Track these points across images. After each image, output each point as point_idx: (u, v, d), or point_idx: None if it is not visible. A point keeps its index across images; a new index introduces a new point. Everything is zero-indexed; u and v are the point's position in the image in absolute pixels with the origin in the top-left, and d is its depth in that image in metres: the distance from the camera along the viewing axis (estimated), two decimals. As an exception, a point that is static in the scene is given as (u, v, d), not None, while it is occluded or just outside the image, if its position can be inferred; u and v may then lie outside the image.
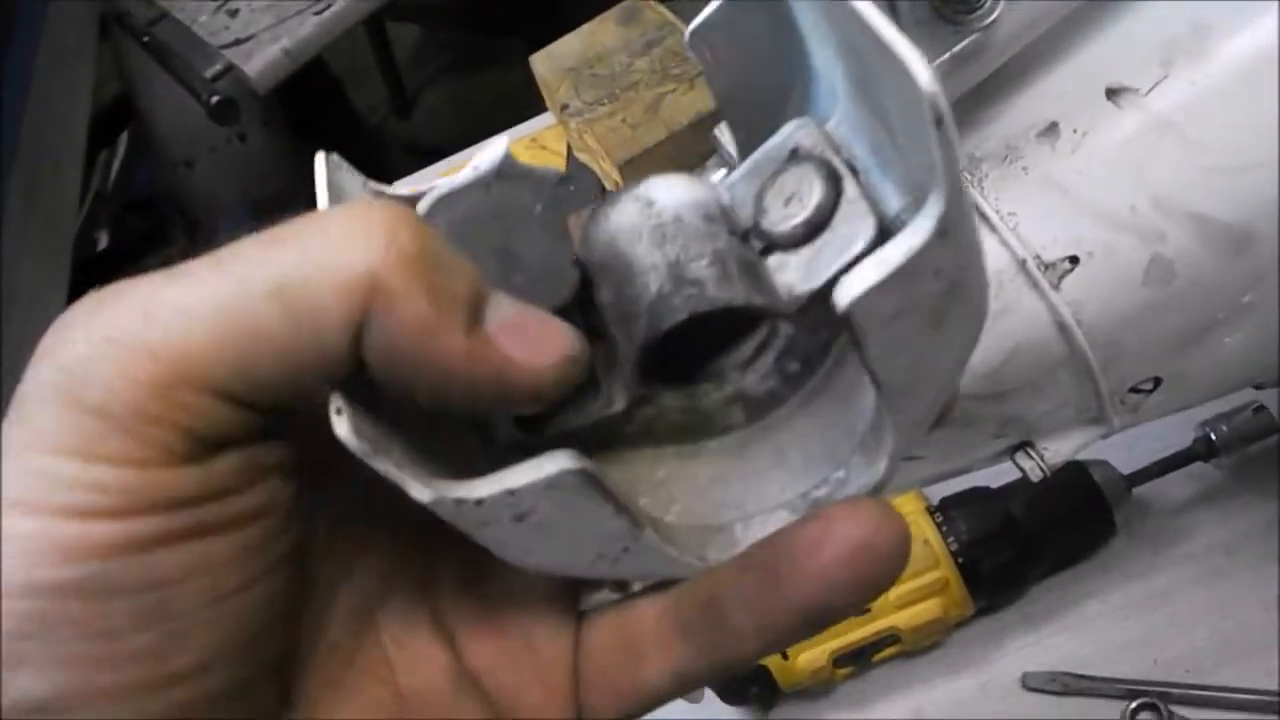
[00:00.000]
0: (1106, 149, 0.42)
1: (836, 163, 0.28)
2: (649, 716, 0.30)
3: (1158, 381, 0.46)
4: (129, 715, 0.22)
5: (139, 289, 0.23)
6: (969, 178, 0.42)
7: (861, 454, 0.29)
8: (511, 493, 0.25)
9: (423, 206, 0.28)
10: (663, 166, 0.76)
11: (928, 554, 0.66)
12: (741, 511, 0.30)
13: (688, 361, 0.31)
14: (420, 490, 0.25)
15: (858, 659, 0.67)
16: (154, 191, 2.30)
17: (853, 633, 0.67)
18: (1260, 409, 0.67)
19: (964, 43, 0.38)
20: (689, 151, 0.86)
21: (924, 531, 0.67)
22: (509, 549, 0.26)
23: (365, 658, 0.28)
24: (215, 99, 1.36)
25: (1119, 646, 0.66)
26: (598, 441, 0.30)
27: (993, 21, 0.38)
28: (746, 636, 0.27)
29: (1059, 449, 0.47)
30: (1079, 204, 0.42)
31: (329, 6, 1.42)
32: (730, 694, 0.69)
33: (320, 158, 0.29)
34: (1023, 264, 0.42)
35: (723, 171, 0.30)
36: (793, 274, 0.27)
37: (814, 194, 0.27)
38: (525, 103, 1.14)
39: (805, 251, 0.27)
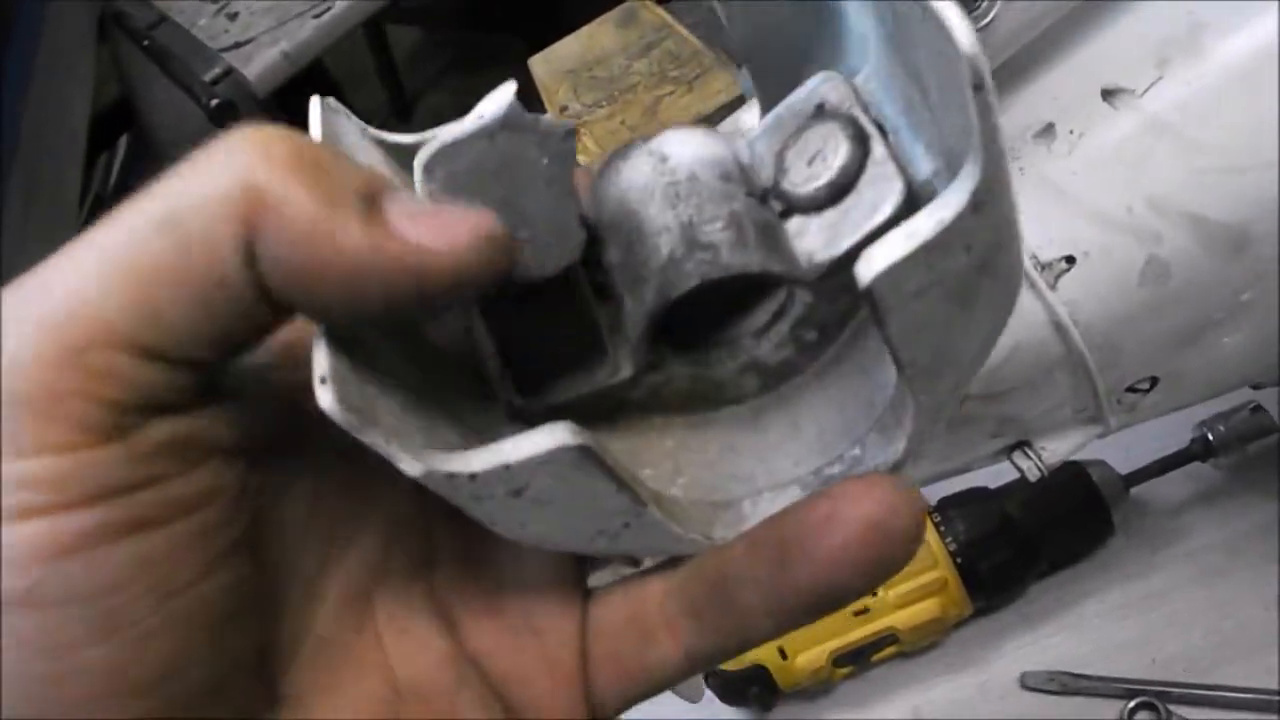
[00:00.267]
0: (1102, 150, 0.42)
1: (864, 121, 0.26)
2: (646, 711, 0.29)
3: (1154, 381, 0.46)
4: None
5: (39, 269, 0.22)
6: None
7: (879, 432, 0.28)
8: (507, 467, 0.24)
9: (421, 157, 0.25)
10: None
11: (926, 554, 0.67)
12: (751, 486, 0.29)
13: (699, 327, 0.30)
14: (411, 464, 0.23)
15: (857, 659, 0.68)
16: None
17: (852, 633, 0.67)
18: (1257, 409, 0.67)
19: (960, 44, 0.39)
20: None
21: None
22: (504, 524, 0.25)
23: (358, 648, 0.26)
24: (215, 102, 1.36)
25: (1117, 646, 0.67)
26: (603, 408, 0.29)
27: (989, 23, 0.38)
28: (756, 617, 0.26)
29: (1056, 448, 0.48)
30: (1075, 204, 0.42)
31: (328, 9, 1.42)
32: (729, 694, 0.69)
33: (315, 100, 0.27)
34: (1019, 264, 0.42)
35: (754, 114, 0.29)
36: (813, 239, 0.26)
37: (839, 154, 0.25)
38: (524, 104, 1.14)
39: (828, 215, 0.26)
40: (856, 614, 0.67)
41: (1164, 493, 0.70)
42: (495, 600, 0.28)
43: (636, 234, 0.27)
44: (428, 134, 0.28)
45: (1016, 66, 0.42)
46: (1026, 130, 0.43)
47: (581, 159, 0.95)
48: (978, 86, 0.20)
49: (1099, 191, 0.42)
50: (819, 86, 0.27)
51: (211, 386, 0.23)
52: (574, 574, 0.28)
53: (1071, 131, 0.42)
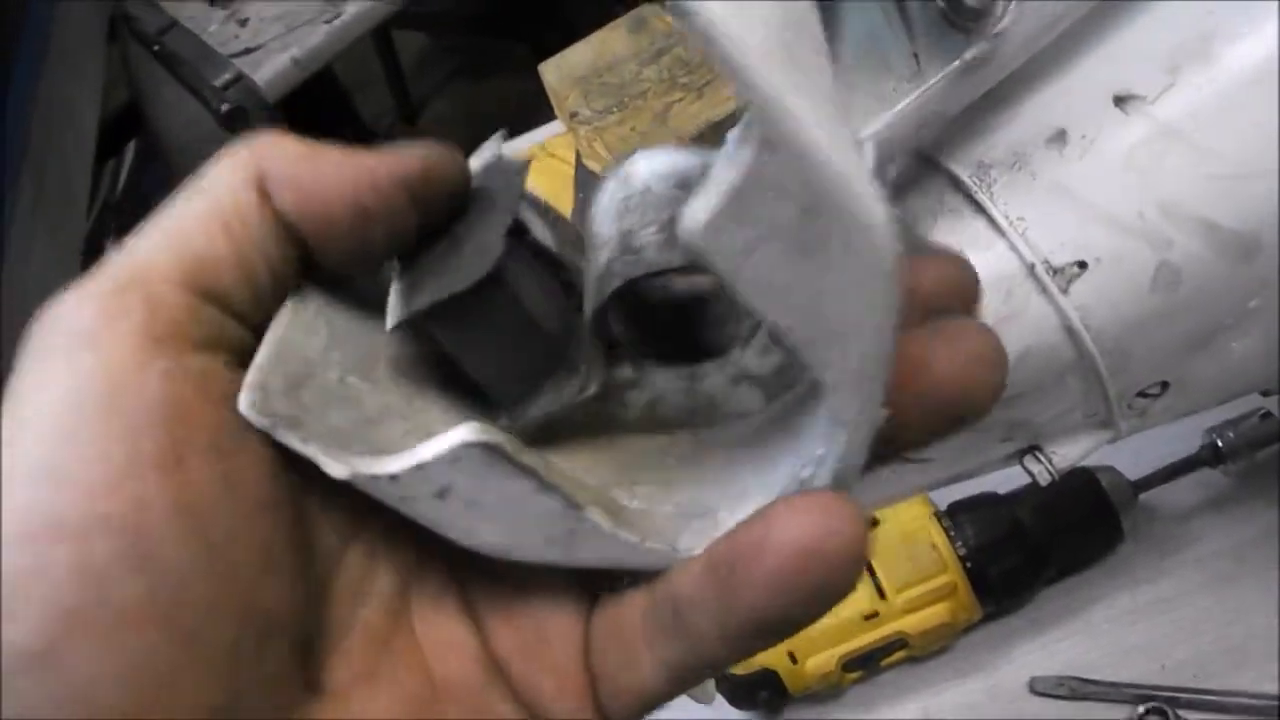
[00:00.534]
0: (1114, 156, 0.42)
1: None
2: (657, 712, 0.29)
3: (1165, 386, 0.46)
4: (127, 666, 0.21)
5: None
6: (978, 184, 0.43)
7: (838, 425, 0.27)
8: (420, 467, 0.24)
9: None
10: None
11: (936, 558, 0.67)
12: (738, 498, 0.27)
13: (686, 341, 0.30)
14: (335, 467, 0.24)
15: (866, 663, 0.68)
16: (162, 199, 2.30)
17: (861, 637, 0.67)
18: (1267, 415, 0.67)
19: (974, 50, 0.39)
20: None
21: (932, 536, 0.67)
22: (450, 529, 0.25)
23: (397, 644, 0.27)
24: (225, 107, 1.37)
25: (1126, 651, 0.67)
26: (597, 428, 0.29)
27: (1003, 29, 0.38)
28: (710, 642, 0.25)
29: (1067, 453, 0.48)
30: (1087, 210, 0.42)
31: (338, 16, 1.43)
32: (738, 698, 0.69)
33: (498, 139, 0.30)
34: (1031, 268, 0.42)
35: None
36: None
37: None
38: (532, 110, 1.14)
39: None
40: (866, 618, 0.67)
41: (1173, 499, 0.71)
42: (513, 605, 0.28)
43: (590, 251, 0.28)
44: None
45: (1029, 73, 0.42)
46: (1038, 136, 0.43)
47: (593, 165, 0.95)
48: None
49: (1111, 197, 0.42)
50: None
51: (249, 342, 0.25)
52: (587, 582, 0.28)
53: (1083, 137, 0.42)
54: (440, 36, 2.63)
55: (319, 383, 0.26)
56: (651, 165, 0.28)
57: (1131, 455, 0.68)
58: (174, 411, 0.23)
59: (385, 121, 2.54)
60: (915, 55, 0.39)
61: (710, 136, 0.86)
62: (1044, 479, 0.48)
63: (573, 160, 1.01)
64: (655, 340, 0.30)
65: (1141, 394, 0.46)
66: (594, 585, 0.28)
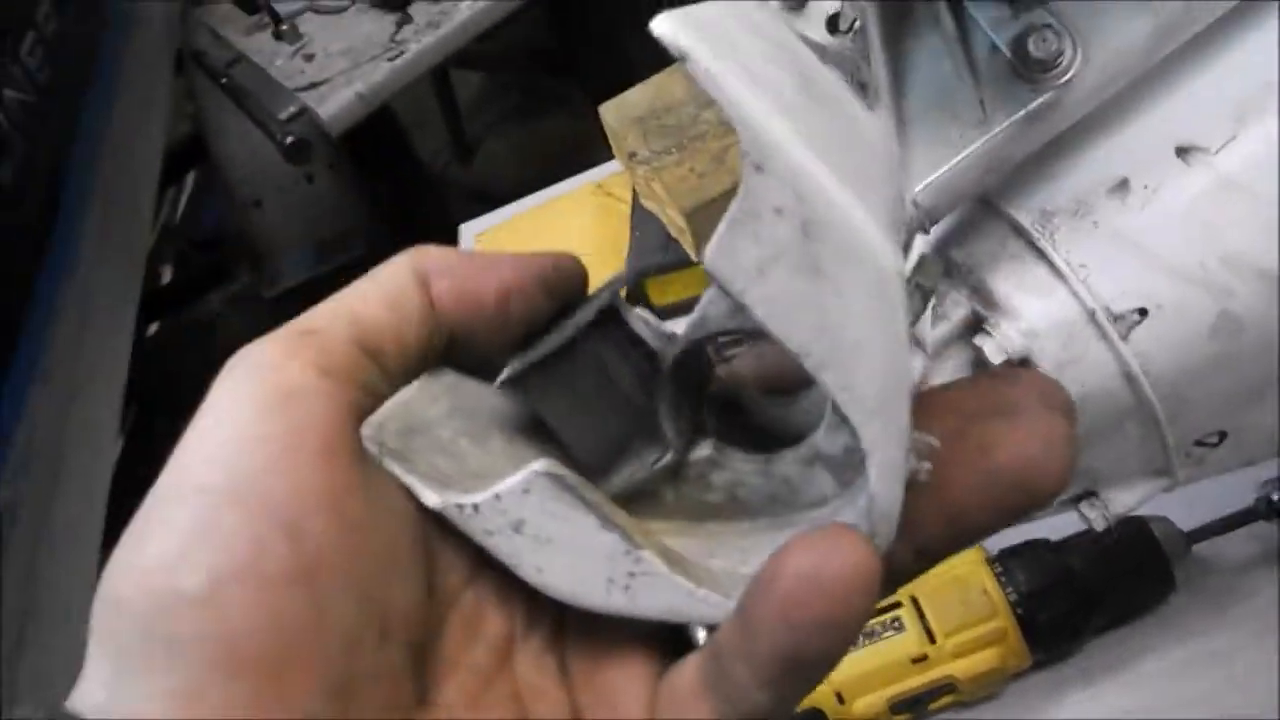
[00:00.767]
0: (1176, 206, 0.43)
1: None
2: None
3: (1223, 435, 0.46)
4: (270, 620, 0.25)
5: None
6: (1040, 230, 0.43)
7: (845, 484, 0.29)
8: (498, 497, 0.27)
9: None
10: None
11: (986, 603, 0.67)
12: None
13: (764, 431, 0.32)
14: (429, 496, 0.28)
15: (914, 706, 0.68)
16: (222, 229, 2.35)
17: (910, 680, 0.67)
18: (1323, 470, 0.67)
19: (1039, 100, 0.40)
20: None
21: (983, 581, 0.67)
22: (524, 564, 0.28)
23: (501, 684, 0.29)
24: (289, 140, 1.40)
25: (1177, 704, 0.66)
26: (685, 513, 0.31)
27: (1069, 80, 0.39)
28: (748, 689, 0.26)
29: (1123, 499, 0.48)
30: (1149, 259, 0.43)
31: (402, 53, 1.46)
32: (784, 737, 0.69)
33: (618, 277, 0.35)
34: (1092, 314, 0.42)
35: None
36: None
37: None
38: (585, 150, 1.16)
39: None
40: (915, 661, 0.67)
41: (1227, 551, 0.70)
42: (592, 669, 0.30)
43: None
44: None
45: (1092, 122, 0.43)
46: (1101, 185, 0.43)
47: (650, 205, 0.96)
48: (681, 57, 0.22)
49: (1172, 247, 0.42)
50: None
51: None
52: (657, 649, 0.30)
53: (1146, 187, 0.43)
54: (496, 76, 2.67)
55: (433, 436, 0.30)
56: None
57: (1185, 507, 0.67)
58: (331, 420, 0.27)
59: (441, 160, 2.58)
60: (982, 102, 0.40)
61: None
62: (1099, 525, 0.48)
63: (630, 199, 1.02)
64: (740, 431, 0.32)
65: (1199, 443, 0.46)
66: (674, 650, 0.30)
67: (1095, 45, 0.40)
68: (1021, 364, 0.43)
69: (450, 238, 1.24)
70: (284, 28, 1.59)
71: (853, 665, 0.65)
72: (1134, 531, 0.68)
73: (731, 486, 0.31)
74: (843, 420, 0.25)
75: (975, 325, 0.45)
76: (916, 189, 0.40)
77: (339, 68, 1.48)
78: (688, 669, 0.28)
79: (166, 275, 2.56)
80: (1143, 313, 0.42)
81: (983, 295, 0.44)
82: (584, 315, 0.31)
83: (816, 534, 0.25)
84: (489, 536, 0.28)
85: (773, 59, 0.25)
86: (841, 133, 0.26)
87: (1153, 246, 0.42)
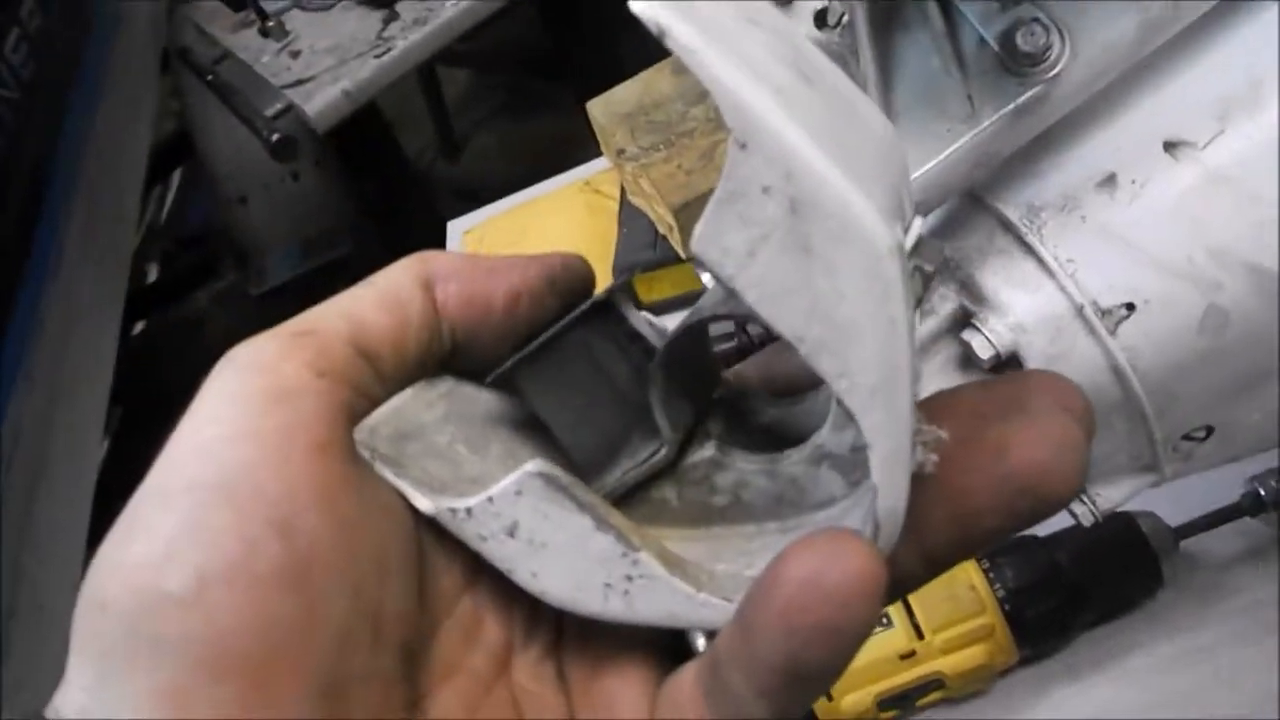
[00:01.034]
0: (1164, 201, 0.43)
1: None
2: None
3: (1210, 430, 0.46)
4: (259, 620, 0.24)
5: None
6: (1028, 225, 0.43)
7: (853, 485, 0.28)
8: (490, 500, 0.27)
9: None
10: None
11: (974, 600, 0.67)
12: None
13: (768, 431, 0.32)
14: (422, 501, 0.27)
15: (902, 702, 0.68)
16: (208, 226, 2.34)
17: (898, 676, 0.67)
18: (1310, 465, 0.67)
19: (1028, 95, 0.40)
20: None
21: (971, 577, 0.67)
22: (518, 570, 0.27)
23: (499, 691, 0.29)
24: (275, 136, 1.40)
25: (1165, 699, 0.66)
26: (690, 518, 0.30)
27: (1057, 74, 0.39)
28: (746, 700, 0.25)
29: (1110, 495, 0.48)
30: (1136, 253, 0.43)
31: (388, 50, 1.45)
32: (772, 733, 0.69)
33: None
34: (1080, 309, 0.42)
35: None
36: None
37: None
38: (572, 147, 1.16)
39: None
40: (903, 657, 0.67)
41: (1214, 547, 0.70)
42: (590, 680, 0.30)
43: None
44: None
45: (1080, 117, 0.43)
46: (1089, 180, 0.43)
47: (638, 201, 0.96)
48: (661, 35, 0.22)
49: (1160, 241, 0.42)
50: None
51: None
52: (655, 657, 0.29)
53: (1133, 182, 0.43)
54: (484, 73, 2.67)
55: (427, 441, 0.30)
56: None
57: (1172, 502, 0.67)
58: (324, 418, 0.26)
59: (428, 157, 2.57)
60: (970, 97, 0.40)
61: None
62: (1087, 520, 0.48)
63: (618, 196, 1.02)
64: (745, 433, 0.32)
65: (1186, 437, 0.46)
66: (674, 657, 0.29)
67: (1083, 40, 0.40)
68: (1009, 359, 0.43)
69: (437, 235, 1.24)
70: (270, 24, 1.59)
71: (841, 662, 0.65)
72: (1121, 527, 0.68)
73: (736, 488, 0.31)
74: (847, 415, 0.24)
75: (963, 320, 0.45)
76: (904, 183, 0.40)
77: (325, 64, 1.47)
78: (686, 677, 0.28)
79: (153, 273, 2.55)
80: (1130, 307, 0.42)
81: (970, 290, 0.44)
82: (579, 310, 0.31)
83: (820, 538, 0.24)
84: (483, 542, 0.27)
85: (766, 45, 0.24)
86: (839, 116, 0.25)
87: (1140, 241, 0.43)
